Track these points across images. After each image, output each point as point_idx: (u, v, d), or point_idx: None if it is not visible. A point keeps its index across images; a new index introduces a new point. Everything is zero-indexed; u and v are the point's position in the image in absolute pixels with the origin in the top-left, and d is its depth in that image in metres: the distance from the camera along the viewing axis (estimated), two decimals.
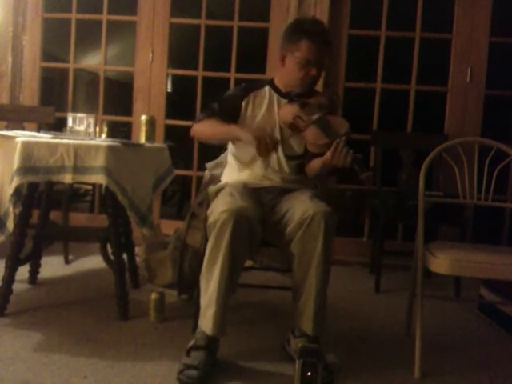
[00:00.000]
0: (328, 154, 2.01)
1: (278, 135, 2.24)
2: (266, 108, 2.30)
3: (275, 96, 2.32)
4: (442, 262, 2.06)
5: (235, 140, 2.26)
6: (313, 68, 2.20)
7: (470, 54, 3.76)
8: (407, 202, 3.04)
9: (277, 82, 2.35)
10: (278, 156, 2.26)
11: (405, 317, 2.48)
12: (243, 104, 2.30)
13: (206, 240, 2.06)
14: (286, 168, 2.27)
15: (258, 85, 2.37)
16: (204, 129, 2.29)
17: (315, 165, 2.19)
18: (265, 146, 2.01)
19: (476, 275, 2.11)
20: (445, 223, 3.41)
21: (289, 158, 2.26)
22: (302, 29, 2.22)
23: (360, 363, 2.18)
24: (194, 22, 4.04)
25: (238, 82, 3.80)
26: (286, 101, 2.26)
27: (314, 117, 2.09)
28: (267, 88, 2.34)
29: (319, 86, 3.62)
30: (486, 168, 2.34)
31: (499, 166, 2.35)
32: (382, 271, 3.21)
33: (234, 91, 2.40)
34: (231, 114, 2.27)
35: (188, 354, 1.98)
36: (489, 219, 3.71)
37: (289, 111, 2.18)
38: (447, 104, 3.82)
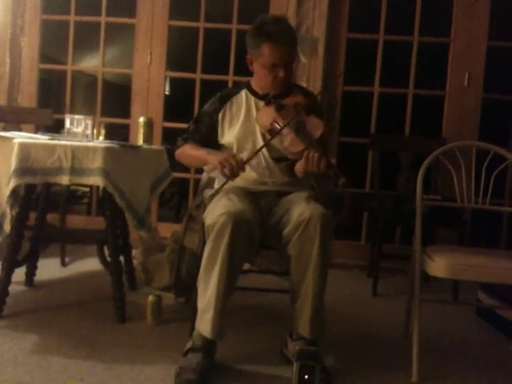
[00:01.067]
0: (302, 161, 2.00)
1: (259, 140, 2.22)
2: (245, 114, 2.28)
3: (253, 99, 2.30)
4: (439, 265, 2.05)
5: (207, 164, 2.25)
6: (280, 70, 2.17)
7: (468, 58, 3.77)
8: (405, 206, 3.04)
9: (253, 85, 2.32)
10: (267, 160, 2.23)
11: (402, 320, 2.47)
12: (220, 116, 2.29)
13: (204, 242, 2.06)
14: (276, 171, 2.25)
15: (234, 91, 2.36)
16: (181, 158, 2.34)
17: (298, 168, 2.15)
18: (230, 170, 1.99)
19: (474, 279, 2.10)
20: (443, 227, 3.41)
21: (277, 160, 2.23)
22: (262, 32, 2.17)
23: (358, 366, 2.17)
24: (193, 24, 4.04)
25: (236, 84, 3.79)
26: (263, 103, 2.24)
27: (290, 121, 2.06)
28: (244, 92, 2.32)
29: (316, 88, 3.65)
30: (483, 172, 2.35)
31: (497, 169, 2.35)
32: (380, 275, 3.21)
33: (209, 105, 2.35)
34: (207, 132, 2.30)
35: (185, 355, 1.98)
36: (486, 223, 3.71)
37: (266, 116, 2.16)
38: (445, 108, 3.83)
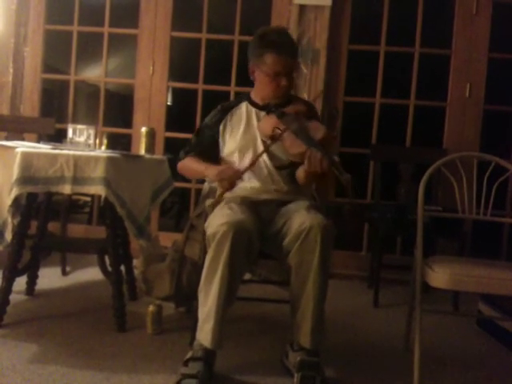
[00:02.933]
0: (305, 161, 2.00)
1: (259, 148, 2.24)
2: (245, 125, 2.31)
3: (253, 111, 2.33)
4: (440, 276, 2.05)
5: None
6: (283, 78, 2.21)
7: (469, 70, 3.79)
8: (406, 216, 3.04)
9: (253, 97, 2.36)
10: (269, 168, 2.25)
11: (403, 331, 2.47)
12: (221, 128, 2.33)
13: (205, 252, 2.06)
14: (278, 179, 2.26)
15: (235, 102, 2.40)
16: (184, 170, 2.39)
17: (300, 174, 2.17)
18: (228, 181, 2.08)
19: (475, 290, 2.10)
20: (443, 237, 3.41)
21: (278, 168, 2.25)
22: (265, 41, 2.21)
23: (359, 377, 2.16)
24: (195, 35, 4.06)
25: (238, 95, 3.80)
26: (264, 114, 2.26)
27: (291, 126, 2.09)
28: (244, 104, 2.36)
29: (317, 103, 3.67)
30: (484, 183, 2.35)
31: (498, 180, 2.36)
32: (381, 285, 3.20)
33: (210, 118, 2.39)
34: (209, 145, 2.35)
35: (186, 364, 1.97)
36: (487, 234, 3.71)
37: (267, 123, 2.18)
38: (446, 119, 3.84)
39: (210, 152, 2.33)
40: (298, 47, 2.33)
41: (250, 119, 2.31)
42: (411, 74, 3.88)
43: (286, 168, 2.24)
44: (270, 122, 2.18)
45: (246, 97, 2.38)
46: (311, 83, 3.73)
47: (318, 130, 2.09)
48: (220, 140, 2.33)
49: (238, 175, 2.08)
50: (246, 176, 2.23)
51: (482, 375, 2.28)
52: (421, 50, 3.85)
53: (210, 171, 2.20)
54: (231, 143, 2.30)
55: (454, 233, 3.14)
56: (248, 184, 2.24)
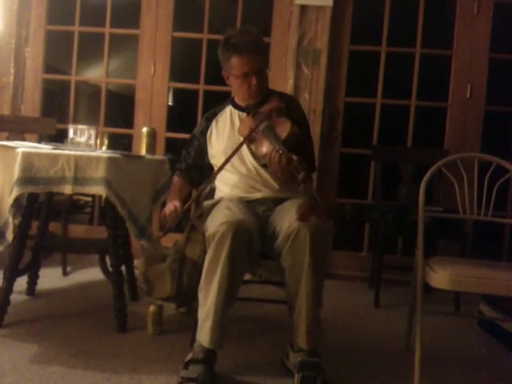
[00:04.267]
0: (267, 161, 2.06)
1: (245, 151, 2.26)
2: (229, 128, 2.34)
3: (236, 113, 2.36)
4: (441, 277, 2.05)
5: None
6: (252, 78, 2.23)
7: (470, 70, 3.79)
8: (407, 217, 3.04)
9: (236, 99, 2.40)
10: (256, 168, 2.26)
11: (404, 331, 2.47)
12: (208, 135, 2.39)
13: (205, 252, 2.06)
14: (267, 178, 2.26)
15: (221, 108, 2.44)
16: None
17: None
18: (168, 217, 2.12)
19: (476, 291, 2.09)
20: (444, 238, 3.41)
21: (265, 166, 2.24)
22: (228, 45, 2.24)
23: (359, 378, 2.16)
24: (196, 36, 4.06)
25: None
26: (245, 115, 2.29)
27: (261, 126, 2.12)
28: (229, 108, 2.40)
29: (318, 104, 3.66)
30: (485, 183, 2.35)
31: (499, 181, 2.35)
32: (382, 286, 3.20)
33: (197, 128, 2.46)
34: (196, 156, 2.42)
35: (186, 367, 1.97)
36: (489, 234, 3.70)
37: (245, 126, 2.22)
38: (447, 119, 3.84)
39: (199, 163, 2.41)
40: (263, 42, 2.33)
41: (234, 122, 2.35)
42: (412, 74, 3.87)
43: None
44: (247, 123, 2.22)
45: (230, 100, 2.43)
46: (312, 84, 3.73)
47: (283, 128, 2.12)
48: (208, 148, 2.38)
49: (178, 211, 2.12)
50: (236, 176, 2.27)
51: (483, 376, 2.28)
52: (422, 50, 3.85)
53: (168, 202, 2.26)
54: (217, 147, 2.33)
55: (455, 233, 3.13)
56: (239, 184, 2.26)
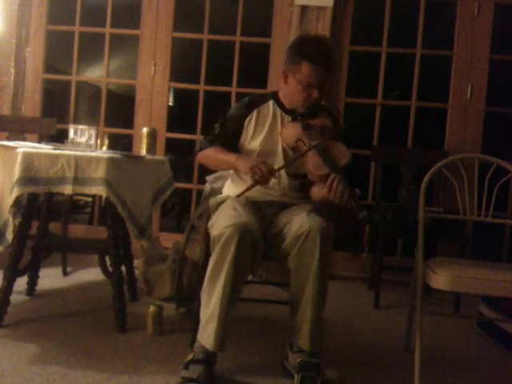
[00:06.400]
0: (326, 187, 1.96)
1: (280, 154, 2.22)
2: (269, 125, 2.26)
3: (279, 112, 2.28)
4: (441, 278, 2.05)
5: (235, 169, 2.25)
6: (314, 90, 2.17)
7: (471, 71, 3.79)
8: (407, 218, 3.04)
9: (281, 97, 2.30)
10: (280, 173, 2.19)
11: (404, 332, 2.47)
12: (245, 123, 2.27)
13: (206, 253, 2.06)
14: (286, 186, 2.22)
15: (262, 99, 2.32)
16: (206, 160, 2.30)
17: (316, 193, 2.12)
18: (260, 176, 2.00)
19: (475, 292, 2.09)
20: (444, 239, 3.41)
21: (292, 176, 2.21)
22: (304, 50, 2.16)
23: (359, 378, 2.16)
24: (197, 36, 4.06)
25: (239, 96, 3.81)
26: (289, 118, 2.24)
27: (315, 143, 2.04)
28: (271, 102, 2.30)
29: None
30: (486, 184, 2.35)
31: (499, 182, 2.35)
32: (381, 287, 3.20)
33: (236, 110, 2.33)
34: (231, 137, 2.28)
35: (186, 367, 1.97)
36: (489, 235, 3.71)
37: (291, 133, 2.15)
38: (448, 120, 3.84)
39: (232, 144, 2.27)
40: (336, 60, 2.26)
41: (276, 120, 2.27)
42: (413, 75, 3.87)
43: (300, 178, 2.20)
44: (293, 130, 2.15)
45: (273, 95, 2.33)
46: None
47: (342, 154, 2.06)
48: (244, 134, 2.28)
49: (271, 172, 2.02)
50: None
51: (483, 377, 2.28)
52: (422, 51, 3.85)
53: (240, 163, 2.11)
54: (253, 142, 2.25)
55: (455, 234, 3.13)
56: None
